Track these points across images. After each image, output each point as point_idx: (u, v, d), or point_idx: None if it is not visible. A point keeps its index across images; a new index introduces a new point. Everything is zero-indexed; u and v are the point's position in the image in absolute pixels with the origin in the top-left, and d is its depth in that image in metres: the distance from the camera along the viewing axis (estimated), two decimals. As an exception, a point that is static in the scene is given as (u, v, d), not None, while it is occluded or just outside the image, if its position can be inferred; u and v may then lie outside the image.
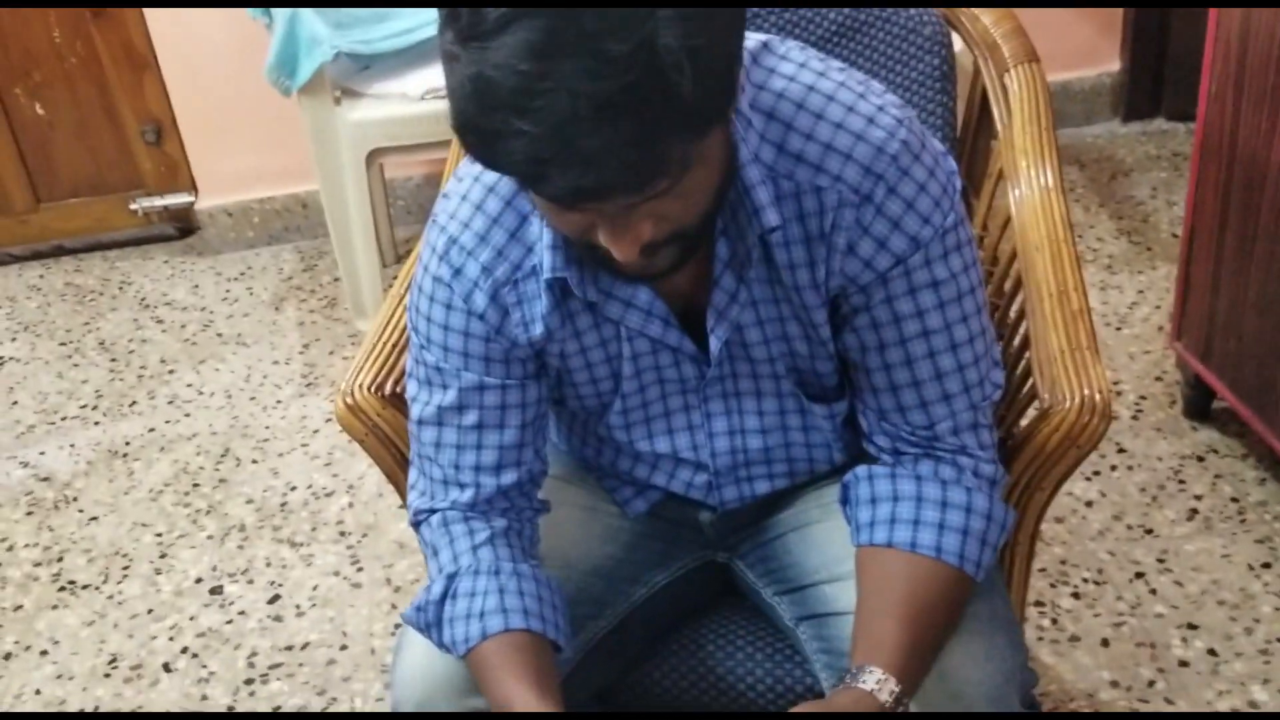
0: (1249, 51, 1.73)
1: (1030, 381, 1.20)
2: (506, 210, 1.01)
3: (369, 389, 1.20)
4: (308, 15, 2.27)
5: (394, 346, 1.25)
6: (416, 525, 1.11)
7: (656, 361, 1.07)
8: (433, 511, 1.09)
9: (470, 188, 1.02)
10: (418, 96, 2.35)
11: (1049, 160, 1.34)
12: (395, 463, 1.20)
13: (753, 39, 0.99)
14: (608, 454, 1.18)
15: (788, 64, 0.98)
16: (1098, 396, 1.11)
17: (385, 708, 1.74)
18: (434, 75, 2.38)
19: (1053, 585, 1.82)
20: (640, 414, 1.12)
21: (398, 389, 1.22)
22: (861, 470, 1.06)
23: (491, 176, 1.01)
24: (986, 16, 1.42)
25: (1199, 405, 2.09)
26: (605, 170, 0.78)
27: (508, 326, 1.03)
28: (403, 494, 1.20)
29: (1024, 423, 1.18)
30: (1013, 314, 1.33)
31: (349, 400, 1.19)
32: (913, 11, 1.44)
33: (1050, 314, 1.21)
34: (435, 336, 1.04)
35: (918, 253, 0.97)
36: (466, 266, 1.01)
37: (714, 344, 1.04)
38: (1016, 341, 1.29)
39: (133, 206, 3.00)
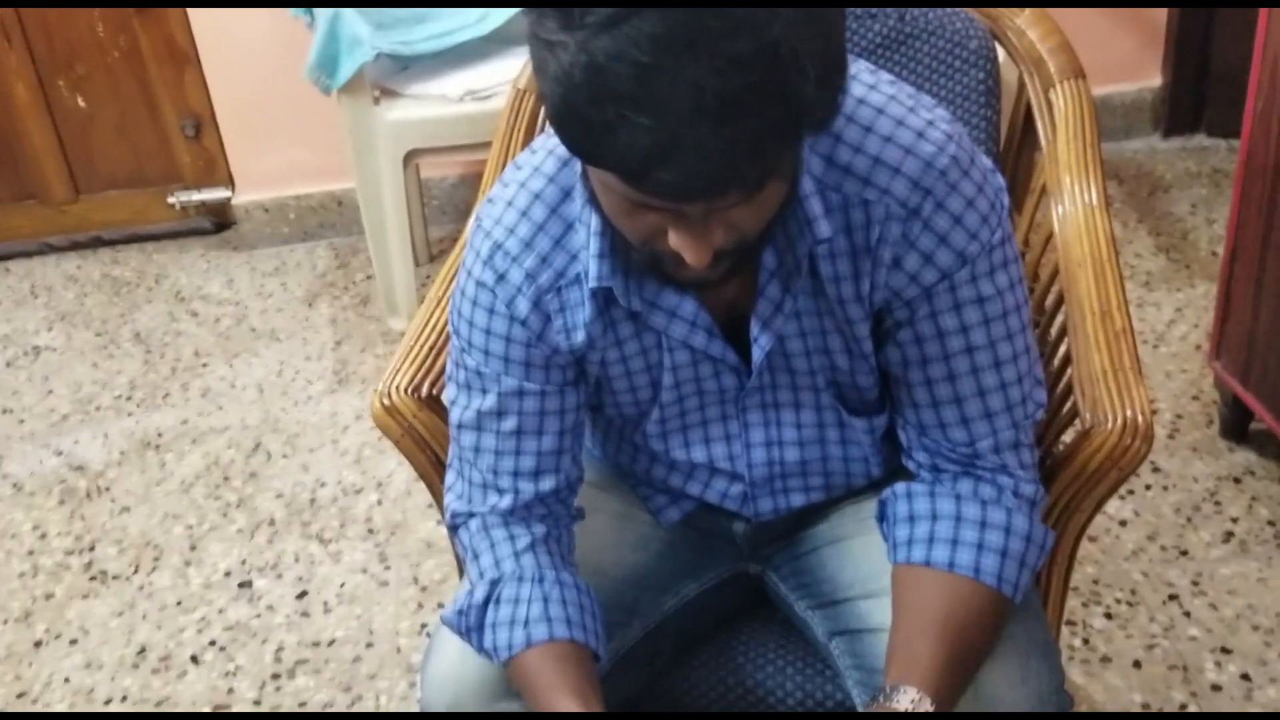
0: (1298, 70, 1.71)
1: (1071, 400, 1.19)
2: (552, 217, 1.00)
3: (406, 390, 1.20)
4: (349, 15, 2.28)
5: (431, 348, 1.25)
6: (454, 529, 1.11)
7: (696, 372, 1.06)
8: (471, 515, 1.09)
9: (516, 193, 1.02)
10: (456, 98, 2.36)
11: (1093, 177, 1.33)
12: (430, 464, 1.21)
13: None
14: (643, 461, 1.17)
15: None
16: (1140, 418, 1.09)
17: (411, 706, 1.74)
18: (473, 77, 2.39)
19: (1085, 605, 1.80)
20: (678, 423, 1.11)
21: (434, 391, 1.22)
22: (900, 487, 1.05)
23: (538, 183, 1.01)
24: (1033, 31, 1.41)
25: (1236, 426, 2.07)
26: (723, 168, 0.77)
27: (549, 333, 1.03)
28: (437, 496, 1.20)
29: (1064, 442, 1.17)
30: (1054, 331, 1.32)
31: (386, 401, 1.19)
32: (959, 24, 1.43)
33: (1093, 333, 1.20)
34: (477, 340, 1.04)
35: (964, 268, 0.96)
36: (510, 272, 1.01)
37: (757, 354, 1.03)
38: (1057, 359, 1.28)
39: (170, 200, 3.02)
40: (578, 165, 0.97)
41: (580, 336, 1.02)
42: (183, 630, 1.91)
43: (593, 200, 0.91)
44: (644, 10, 0.73)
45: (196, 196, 3.02)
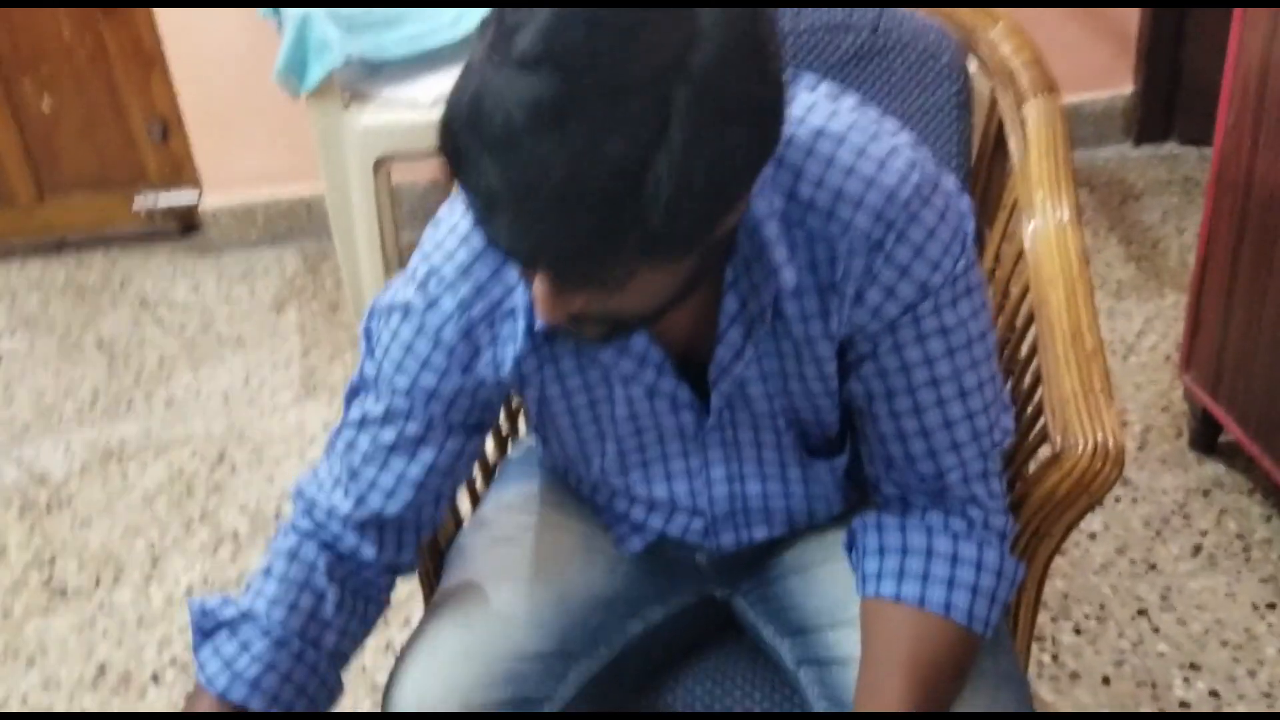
0: (1269, 84, 1.71)
1: (1041, 421, 1.18)
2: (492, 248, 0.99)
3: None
4: (319, 18, 2.25)
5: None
6: (292, 499, 1.09)
7: (653, 407, 1.04)
8: (313, 505, 1.06)
9: (461, 219, 0.99)
10: (428, 103, 2.33)
11: (1065, 193, 1.32)
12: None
13: None
14: (603, 493, 1.16)
15: (797, 105, 0.94)
16: (1111, 442, 1.08)
17: (375, 726, 1.72)
18: (445, 82, 2.34)
19: (1054, 619, 1.80)
20: (638, 458, 1.09)
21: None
22: (870, 517, 1.04)
23: None
24: (1006, 45, 1.40)
25: (1206, 438, 2.07)
26: (542, 249, 0.76)
27: (476, 365, 1.00)
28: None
29: (1034, 464, 1.15)
30: (1024, 349, 1.31)
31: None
32: (932, 38, 1.42)
33: (1063, 353, 1.18)
34: (394, 352, 1.00)
35: (926, 300, 0.94)
36: (443, 299, 0.98)
37: (715, 400, 1.01)
38: (1028, 379, 1.27)
39: (136, 204, 2.98)
40: None
41: (509, 370, 0.99)
42: (143, 648, 1.88)
43: None
44: (552, 67, 0.71)
45: (163, 200, 2.98)
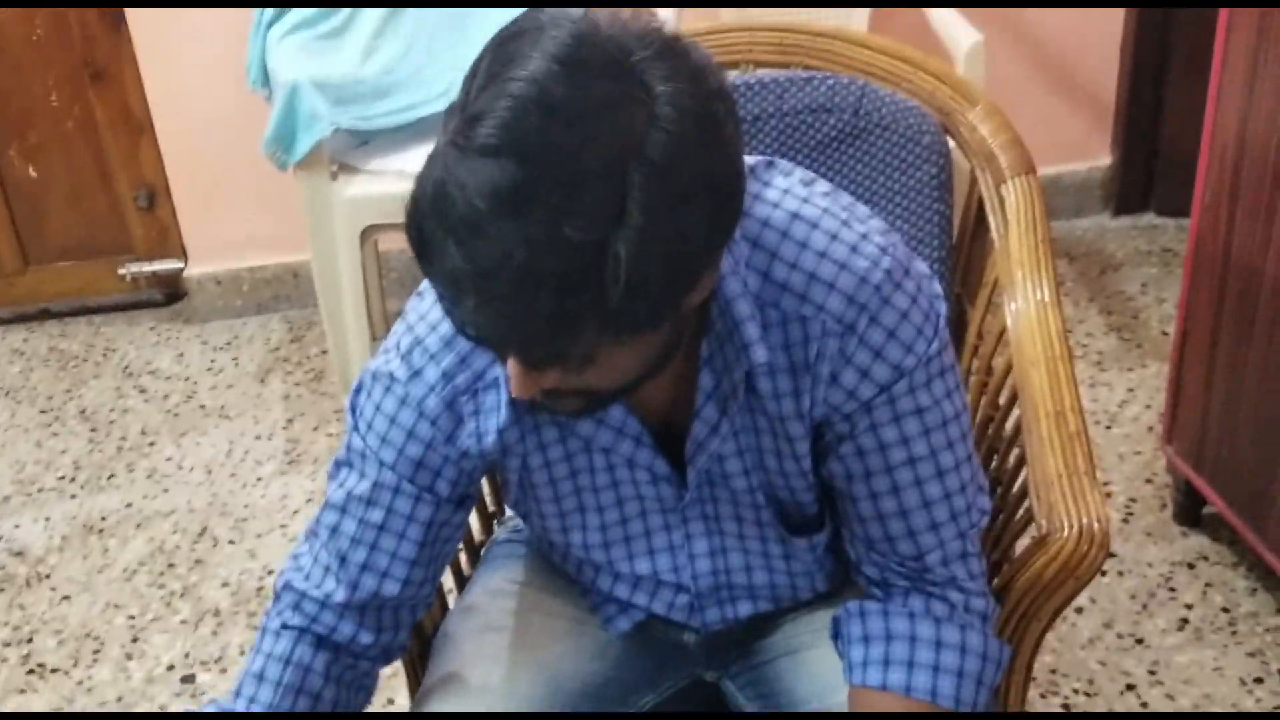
0: (1244, 161, 1.74)
1: (1027, 503, 1.18)
2: None
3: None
4: (307, 90, 2.27)
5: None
6: (277, 597, 1.07)
7: (633, 477, 1.05)
8: (302, 598, 1.04)
9: None
10: (415, 174, 2.34)
11: (1045, 273, 1.33)
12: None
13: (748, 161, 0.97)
14: (588, 572, 1.15)
15: (772, 190, 0.96)
16: (1096, 525, 1.08)
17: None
18: (430, 153, 2.38)
19: (1043, 695, 1.79)
20: (619, 532, 1.09)
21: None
22: (854, 605, 1.04)
23: None
24: (984, 126, 1.42)
25: (1190, 511, 2.08)
26: (506, 331, 0.78)
27: (460, 435, 1.00)
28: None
29: (1020, 545, 1.15)
30: (1009, 428, 1.31)
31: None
32: (912, 120, 1.44)
33: (1047, 435, 1.19)
34: (378, 425, 1.01)
35: (901, 380, 0.95)
36: (427, 370, 0.99)
37: (692, 475, 1.02)
38: (1012, 458, 1.27)
39: (121, 271, 2.98)
40: None
41: (491, 440, 1.00)
42: (122, 726, 1.86)
43: None
44: (511, 156, 0.73)
45: (148, 268, 2.98)
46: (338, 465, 1.05)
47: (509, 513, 1.35)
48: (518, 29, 0.78)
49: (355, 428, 1.02)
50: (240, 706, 1.02)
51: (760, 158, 1.00)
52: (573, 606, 1.19)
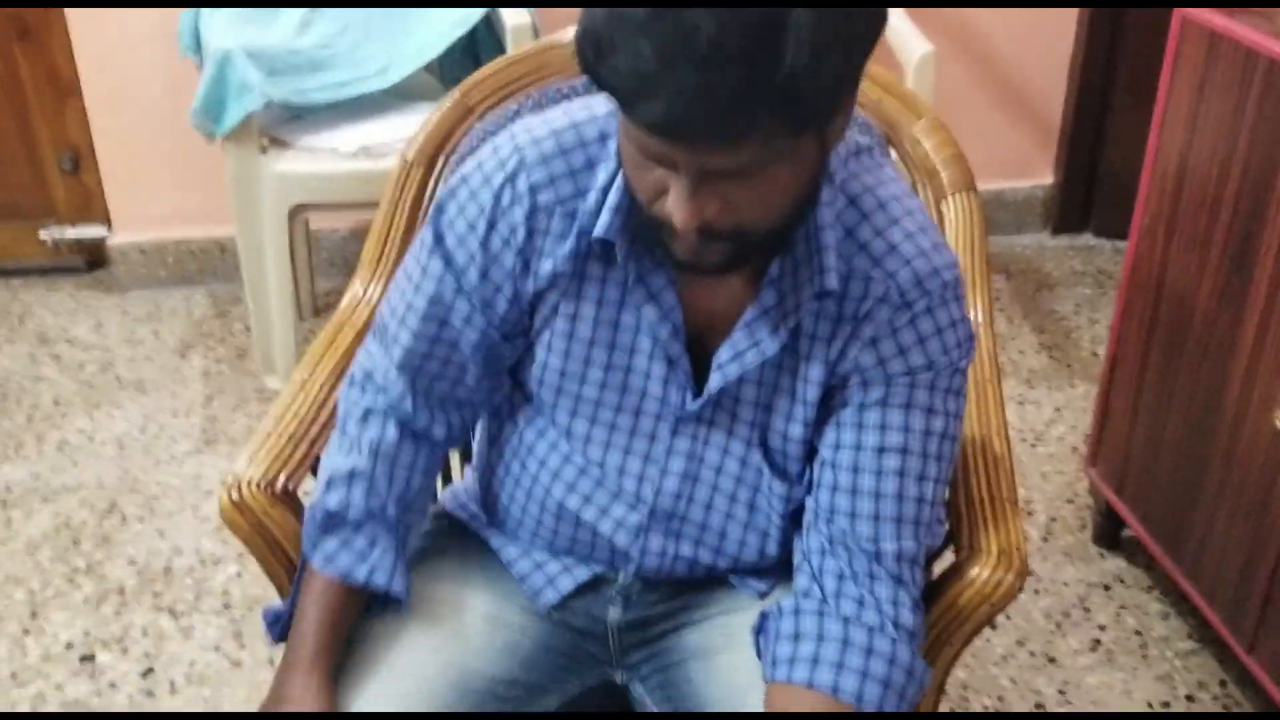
0: (1184, 191, 1.74)
1: (945, 526, 1.17)
2: (579, 149, 1.02)
3: (258, 485, 1.13)
4: (240, 59, 2.20)
5: (290, 438, 1.18)
6: (357, 383, 1.13)
7: (649, 370, 1.06)
8: (369, 378, 1.11)
9: (556, 118, 1.04)
10: (350, 153, 2.29)
11: (980, 294, 1.33)
12: (281, 566, 1.13)
13: (865, 139, 1.06)
14: (545, 478, 1.12)
15: (886, 171, 1.05)
16: (1015, 553, 1.08)
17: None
18: (368, 131, 2.33)
19: (952, 710, 1.79)
20: (609, 415, 1.08)
21: (290, 485, 1.15)
22: (787, 603, 1.04)
23: (583, 114, 1.04)
24: (928, 140, 1.41)
25: (1109, 533, 2.09)
26: (697, 108, 0.80)
27: (528, 252, 1.04)
28: (288, 599, 1.13)
29: (938, 567, 1.15)
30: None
31: (235, 496, 1.12)
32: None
33: (972, 458, 1.18)
34: (458, 226, 1.05)
35: (928, 373, 1.01)
36: (519, 178, 1.02)
37: (715, 380, 1.03)
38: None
39: (42, 235, 2.89)
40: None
41: (548, 266, 1.03)
42: (16, 706, 1.79)
43: (619, 153, 0.95)
44: None
45: (70, 233, 2.90)
46: (403, 276, 1.09)
47: (438, 499, 1.31)
48: None
49: (436, 225, 1.06)
50: (344, 470, 1.09)
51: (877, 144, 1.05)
52: (490, 601, 1.16)
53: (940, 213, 1.39)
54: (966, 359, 1.03)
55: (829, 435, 1.04)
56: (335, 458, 1.11)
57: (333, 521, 1.08)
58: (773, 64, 0.79)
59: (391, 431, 1.11)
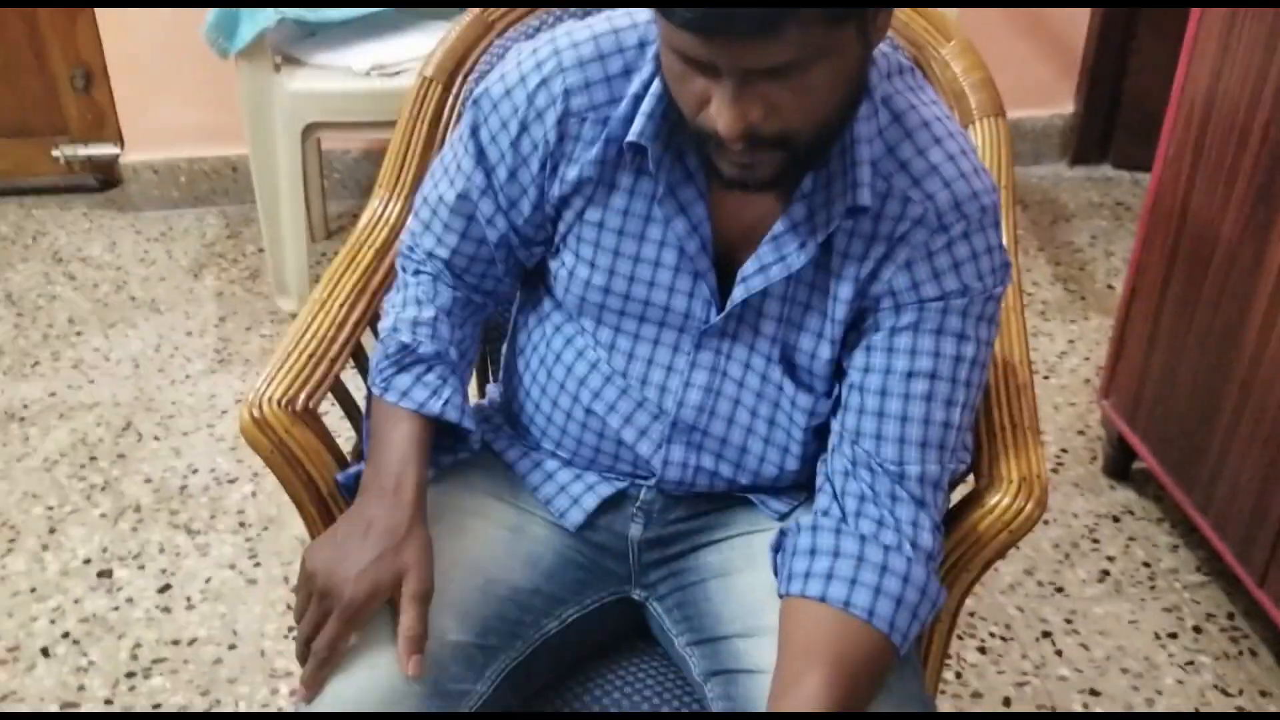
0: (1212, 119, 1.72)
1: (970, 452, 1.17)
2: (616, 55, 1.02)
3: (279, 403, 1.13)
4: (254, -24, 2.17)
5: (310, 357, 1.18)
6: (406, 251, 1.17)
7: (673, 284, 1.06)
8: (412, 249, 1.15)
9: (598, 24, 1.05)
10: (363, 71, 2.27)
11: (1007, 222, 1.31)
12: (302, 485, 1.14)
13: (907, 61, 1.05)
14: (571, 386, 1.13)
15: (926, 93, 1.03)
16: (1035, 481, 1.08)
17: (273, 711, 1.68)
18: (382, 50, 2.30)
19: (960, 637, 1.81)
20: (633, 325, 1.09)
21: (311, 404, 1.15)
22: (805, 520, 1.04)
23: (624, 21, 1.04)
24: (957, 64, 1.39)
25: (1119, 464, 2.10)
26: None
27: (558, 151, 1.04)
28: (309, 519, 1.14)
29: (957, 494, 1.15)
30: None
31: (255, 413, 1.12)
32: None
33: (995, 386, 1.18)
34: (492, 122, 1.06)
35: (962, 299, 1.01)
36: (553, 81, 1.03)
37: (738, 293, 1.04)
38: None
39: (55, 153, 2.87)
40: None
41: (574, 172, 1.04)
42: (35, 620, 1.82)
43: (658, 61, 0.94)
44: None
45: (83, 151, 2.88)
46: (442, 170, 1.12)
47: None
48: None
49: (473, 119, 1.07)
50: (408, 317, 1.12)
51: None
52: (514, 513, 1.17)
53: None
54: (1001, 286, 1.03)
55: (858, 358, 1.04)
56: (398, 306, 1.14)
57: (406, 356, 1.10)
58: None
59: (445, 289, 1.14)
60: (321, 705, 1.03)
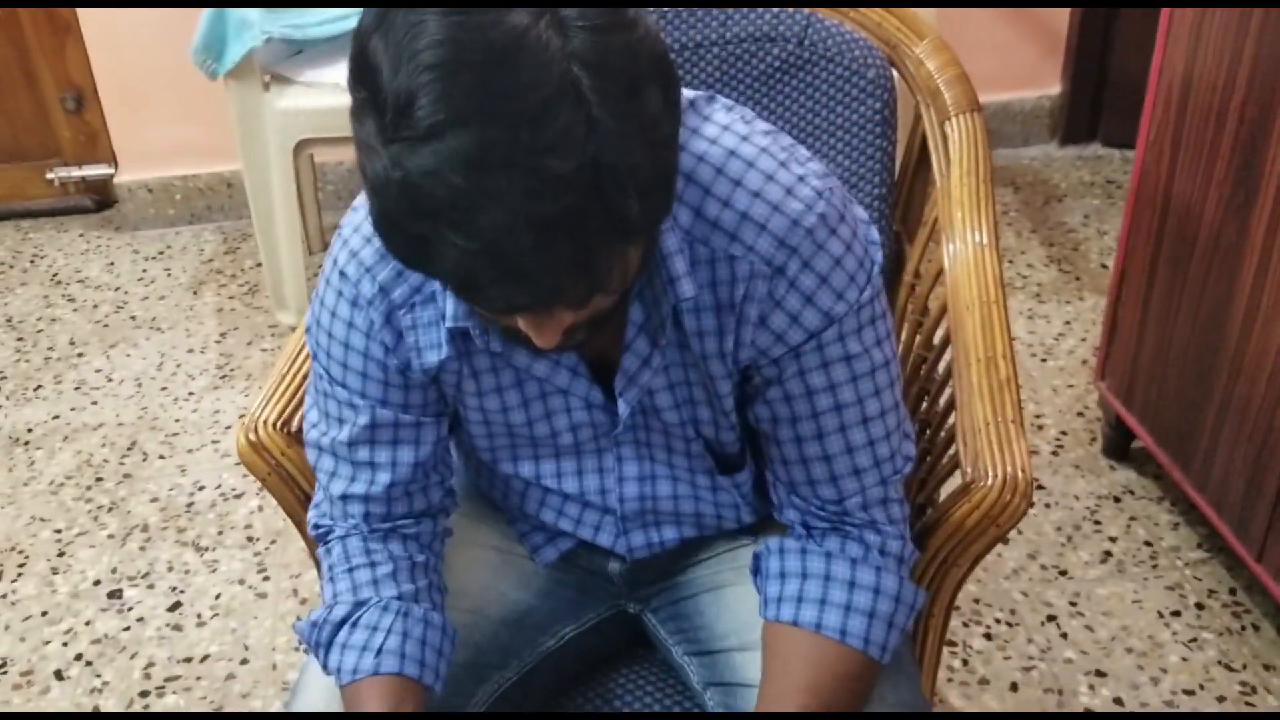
0: (1190, 102, 1.73)
1: (954, 449, 1.19)
2: None
3: (274, 425, 1.15)
4: (238, -5, 2.19)
5: (304, 377, 1.20)
6: (317, 539, 1.09)
7: (567, 404, 1.04)
8: (331, 531, 1.07)
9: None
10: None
11: (985, 216, 1.32)
12: (298, 503, 1.16)
13: (688, 93, 0.95)
14: (514, 498, 1.15)
15: (711, 125, 0.94)
16: (1020, 475, 1.09)
17: (284, 728, 1.70)
18: (368, 64, 2.31)
19: (965, 624, 1.82)
20: (550, 448, 1.08)
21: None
22: (774, 543, 1.05)
23: None
24: (931, 61, 1.40)
25: (1118, 445, 2.11)
26: (542, 288, 0.75)
27: (401, 349, 0.99)
28: (306, 538, 1.16)
29: (944, 492, 1.16)
30: (940, 371, 1.31)
31: (252, 437, 1.14)
32: (858, 52, 1.41)
33: (977, 381, 1.19)
34: (335, 353, 1.00)
35: (831, 328, 0.95)
36: (363, 284, 0.97)
37: (623, 406, 1.01)
38: (943, 401, 1.28)
39: (49, 176, 2.89)
40: None
41: (432, 358, 0.99)
42: (47, 643, 1.84)
43: None
44: (458, 125, 0.69)
45: (77, 173, 2.90)
46: (317, 413, 1.04)
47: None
48: (382, 8, 0.74)
49: (321, 368, 1.01)
50: (347, 596, 1.03)
51: (702, 92, 0.97)
52: (499, 536, 1.18)
53: (944, 134, 1.38)
54: (868, 288, 0.95)
55: (763, 414, 1.01)
56: (328, 599, 1.05)
57: (326, 631, 1.03)
58: (607, 219, 0.73)
59: (375, 547, 1.05)
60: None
